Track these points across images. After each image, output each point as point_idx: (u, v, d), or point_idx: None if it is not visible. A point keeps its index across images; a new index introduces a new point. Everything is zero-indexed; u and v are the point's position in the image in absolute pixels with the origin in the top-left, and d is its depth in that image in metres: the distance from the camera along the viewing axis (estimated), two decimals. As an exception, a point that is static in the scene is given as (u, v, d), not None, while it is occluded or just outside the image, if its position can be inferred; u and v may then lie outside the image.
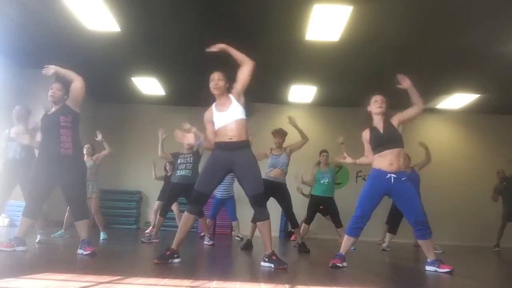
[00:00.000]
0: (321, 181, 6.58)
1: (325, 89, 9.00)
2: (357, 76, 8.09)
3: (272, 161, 5.52)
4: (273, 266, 3.38)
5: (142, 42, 6.94)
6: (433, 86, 8.30)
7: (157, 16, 6.06)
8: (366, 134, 3.94)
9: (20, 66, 8.25)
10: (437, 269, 3.66)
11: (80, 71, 3.92)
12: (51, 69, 3.89)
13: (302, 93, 9.28)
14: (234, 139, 3.49)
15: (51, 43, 7.09)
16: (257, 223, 3.57)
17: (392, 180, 3.67)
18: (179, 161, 5.77)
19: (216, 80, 3.59)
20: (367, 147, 3.94)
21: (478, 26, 5.94)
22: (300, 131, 5.54)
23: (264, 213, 3.54)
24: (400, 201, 3.78)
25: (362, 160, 4.06)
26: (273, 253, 3.48)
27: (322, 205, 6.77)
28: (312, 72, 8.02)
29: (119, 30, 6.36)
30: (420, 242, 3.82)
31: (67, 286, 2.21)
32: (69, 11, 5.82)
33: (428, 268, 3.76)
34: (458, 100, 9.19)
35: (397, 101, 3.92)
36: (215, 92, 3.60)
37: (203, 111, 3.72)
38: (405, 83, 3.80)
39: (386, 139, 3.76)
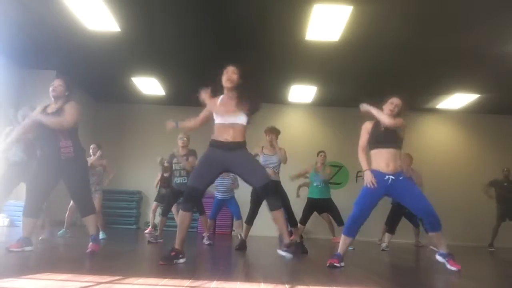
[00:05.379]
0: (314, 184, 6.59)
1: (325, 89, 9.00)
2: (357, 76, 8.09)
3: (264, 161, 5.36)
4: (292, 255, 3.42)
5: (142, 42, 6.93)
6: (433, 86, 8.28)
7: (157, 16, 6.06)
8: (368, 125, 3.90)
9: (20, 66, 8.25)
10: (446, 263, 3.66)
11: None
12: None
13: (302, 93, 9.27)
14: (230, 140, 3.49)
15: (51, 43, 7.08)
16: (274, 211, 3.47)
17: (390, 181, 3.67)
18: (174, 167, 5.79)
19: (230, 72, 3.59)
20: (364, 139, 3.87)
21: (478, 26, 5.94)
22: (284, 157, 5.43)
23: (278, 200, 3.55)
24: (404, 199, 3.77)
25: (360, 156, 3.91)
26: (292, 242, 3.49)
27: (321, 207, 6.77)
28: (312, 72, 8.01)
29: (119, 30, 6.36)
30: (430, 235, 3.79)
31: (67, 286, 2.22)
32: (69, 11, 5.82)
33: (438, 257, 3.76)
34: (458, 100, 9.18)
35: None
36: (227, 84, 3.58)
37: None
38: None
39: (386, 137, 3.75)
